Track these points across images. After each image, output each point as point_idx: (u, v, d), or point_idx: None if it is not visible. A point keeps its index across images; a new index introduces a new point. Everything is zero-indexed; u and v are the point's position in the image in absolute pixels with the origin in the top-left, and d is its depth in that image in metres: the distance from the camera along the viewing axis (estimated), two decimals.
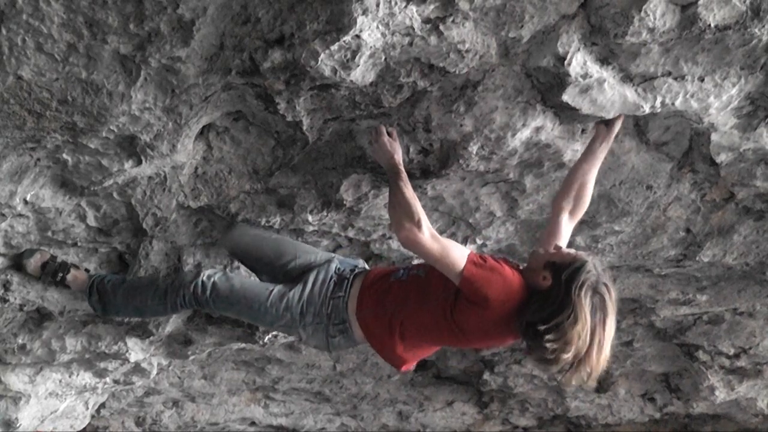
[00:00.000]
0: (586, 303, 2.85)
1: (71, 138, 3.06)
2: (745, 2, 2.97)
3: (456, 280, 3.05)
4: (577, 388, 6.98)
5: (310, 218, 3.82)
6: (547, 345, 2.86)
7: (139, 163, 3.28)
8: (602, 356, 2.92)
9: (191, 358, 4.97)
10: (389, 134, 3.34)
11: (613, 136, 3.39)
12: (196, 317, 4.58)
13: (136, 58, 2.79)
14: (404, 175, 3.25)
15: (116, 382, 5.12)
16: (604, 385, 7.12)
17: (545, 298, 2.94)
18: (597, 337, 2.87)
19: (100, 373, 4.85)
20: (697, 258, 4.69)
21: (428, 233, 3.07)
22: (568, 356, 2.86)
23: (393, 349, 3.35)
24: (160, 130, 3.14)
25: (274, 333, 4.63)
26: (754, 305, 5.89)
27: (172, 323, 4.47)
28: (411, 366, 3.58)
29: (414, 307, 3.25)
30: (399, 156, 3.31)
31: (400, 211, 3.14)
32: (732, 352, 6.56)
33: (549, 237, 3.35)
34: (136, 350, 4.61)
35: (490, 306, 3.01)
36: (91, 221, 3.69)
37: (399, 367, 3.46)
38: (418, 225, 3.07)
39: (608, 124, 3.38)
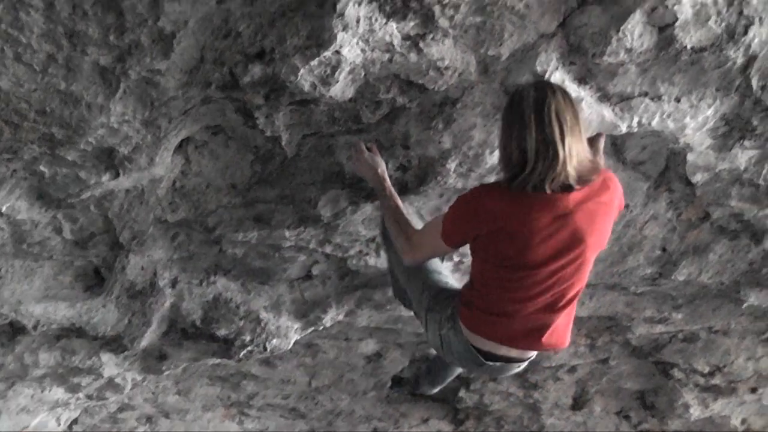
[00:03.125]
0: (526, 105, 2.74)
1: (49, 149, 3.05)
2: (720, 25, 3.01)
3: (451, 246, 3.10)
4: (553, 404, 6.99)
5: (287, 233, 3.81)
6: (510, 176, 2.82)
7: (117, 175, 3.26)
8: (567, 130, 2.72)
9: (166, 373, 4.93)
10: (369, 149, 3.34)
11: (601, 151, 3.40)
12: (171, 332, 4.55)
13: (115, 70, 2.79)
14: (389, 188, 3.29)
15: (89, 397, 5.06)
16: (579, 402, 7.13)
17: (501, 145, 2.90)
18: (542, 117, 2.71)
19: (74, 388, 4.80)
20: (673, 276, 4.71)
21: (415, 244, 3.18)
22: (513, 161, 2.78)
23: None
24: (139, 143, 3.13)
25: (250, 349, 4.61)
26: (729, 324, 5.93)
27: (147, 338, 4.44)
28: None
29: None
30: (383, 168, 3.33)
31: (396, 233, 3.25)
32: (707, 370, 6.60)
33: None
34: (110, 365, 4.57)
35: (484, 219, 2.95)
36: (68, 234, 3.66)
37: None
38: (410, 244, 3.19)
39: (591, 142, 3.40)
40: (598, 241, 3.01)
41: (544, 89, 2.74)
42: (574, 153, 2.73)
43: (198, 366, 5.43)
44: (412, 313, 4.83)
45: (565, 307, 3.11)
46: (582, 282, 3.10)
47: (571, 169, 2.75)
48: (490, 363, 3.26)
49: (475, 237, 3.01)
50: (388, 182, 3.30)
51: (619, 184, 3.02)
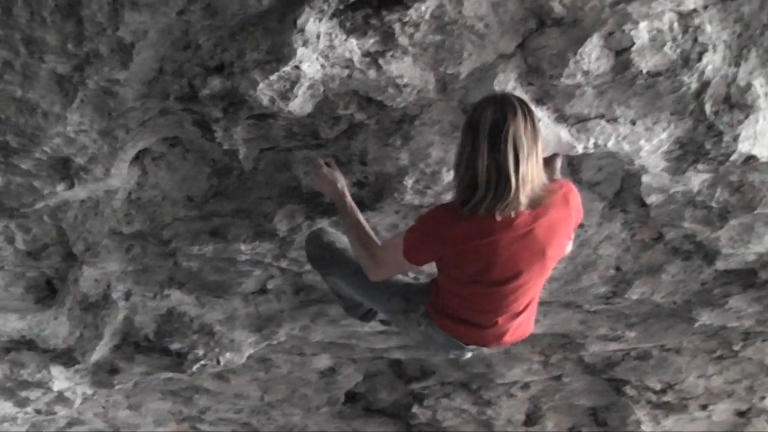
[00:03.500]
0: (482, 124, 2.66)
1: (2, 158, 3.01)
2: (675, 51, 3.06)
3: (410, 258, 3.05)
4: (506, 421, 7.01)
5: (243, 247, 3.79)
6: (462, 201, 2.78)
7: (72, 186, 3.23)
8: (523, 158, 2.65)
9: (117, 387, 4.88)
10: (327, 164, 3.33)
11: (558, 172, 3.43)
12: (124, 345, 4.50)
13: (73, 79, 2.77)
14: (349, 203, 3.25)
15: (38, 411, 4.99)
16: (532, 418, 7.16)
17: (456, 164, 2.85)
18: (496, 141, 2.63)
19: (22, 403, 4.73)
20: (627, 295, 4.76)
21: (379, 260, 3.14)
22: (480, 192, 2.71)
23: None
24: (95, 153, 3.10)
25: (203, 362, 4.59)
26: (681, 342, 6.01)
27: (99, 351, 4.39)
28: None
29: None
30: (342, 183, 3.29)
31: (359, 249, 3.20)
32: (659, 387, 6.67)
33: None
34: (60, 379, 4.51)
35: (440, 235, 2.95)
36: (20, 244, 3.62)
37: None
38: (374, 261, 3.15)
39: (547, 162, 3.42)
40: (559, 250, 3.06)
41: (505, 110, 2.65)
42: (528, 180, 2.70)
43: (150, 380, 5.37)
44: (367, 329, 4.84)
45: (527, 307, 3.22)
46: (542, 283, 3.19)
47: (524, 198, 2.74)
48: (471, 346, 3.41)
49: (439, 257, 3.04)
50: (349, 197, 3.27)
51: (578, 195, 3.04)
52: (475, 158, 2.67)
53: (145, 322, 4.28)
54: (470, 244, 2.88)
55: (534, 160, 2.70)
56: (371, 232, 3.23)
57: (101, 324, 4.15)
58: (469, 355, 3.64)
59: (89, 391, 4.95)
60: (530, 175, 2.70)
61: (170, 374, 4.91)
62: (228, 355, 4.61)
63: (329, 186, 3.29)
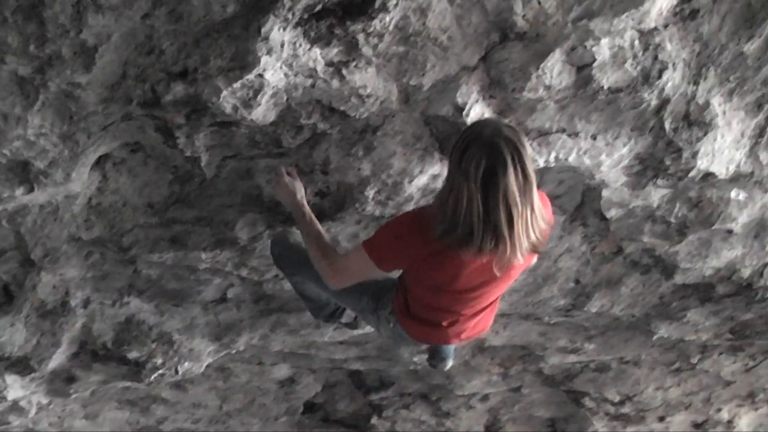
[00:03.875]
0: (467, 166, 2.54)
1: None
2: (636, 68, 3.10)
3: (379, 267, 3.02)
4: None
5: (203, 255, 3.77)
6: (439, 223, 2.69)
7: (31, 190, 3.19)
8: (514, 218, 2.57)
9: (73, 396, 4.82)
10: (289, 174, 3.32)
11: None
12: (81, 353, 4.45)
13: (34, 81, 2.74)
14: (308, 213, 3.24)
15: None
16: (491, 430, 7.18)
17: (440, 191, 2.78)
18: (499, 199, 2.54)
19: None
20: (586, 308, 4.79)
21: (340, 269, 3.12)
22: (480, 235, 2.61)
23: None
24: (56, 157, 3.07)
25: (161, 372, 4.55)
26: (640, 354, 6.07)
27: (56, 359, 4.33)
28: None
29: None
30: (301, 194, 3.29)
31: (317, 258, 3.17)
32: (617, 399, 6.73)
33: None
34: (15, 387, 4.43)
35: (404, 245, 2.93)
36: None
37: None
38: (333, 269, 3.12)
39: None
40: (526, 264, 3.05)
41: (497, 157, 2.50)
42: (523, 236, 2.63)
43: (107, 389, 5.31)
44: (326, 339, 4.84)
45: (489, 306, 3.25)
46: (506, 287, 3.20)
47: (519, 255, 2.69)
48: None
49: (407, 264, 3.05)
50: (307, 208, 3.27)
51: (549, 204, 3.03)
52: (470, 206, 2.58)
53: (104, 329, 4.23)
54: (438, 257, 2.87)
55: (528, 213, 2.61)
56: (329, 242, 3.22)
57: (59, 331, 4.09)
58: (450, 364, 3.67)
59: (45, 400, 4.88)
60: (525, 231, 2.63)
61: (128, 383, 4.86)
62: (187, 364, 4.57)
63: (288, 195, 3.28)
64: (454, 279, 2.96)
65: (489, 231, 2.61)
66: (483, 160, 2.51)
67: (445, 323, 3.24)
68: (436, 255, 2.86)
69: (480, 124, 2.68)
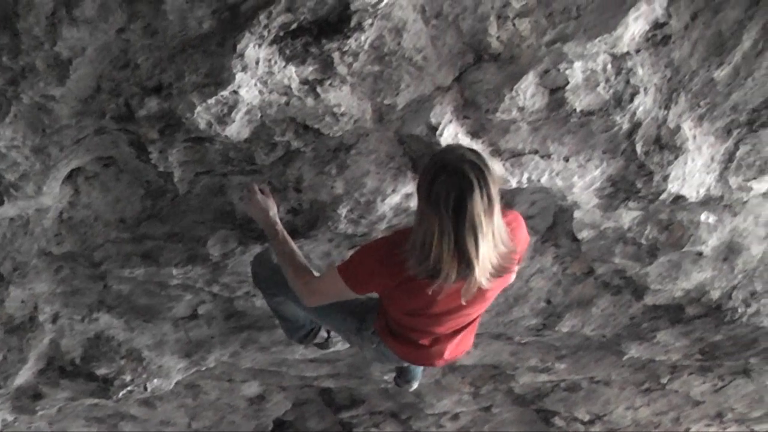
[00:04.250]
0: (434, 193, 2.53)
1: None
2: (608, 92, 3.12)
3: (353, 291, 3.02)
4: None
5: (174, 271, 3.75)
6: (410, 256, 2.68)
7: (2, 203, 3.17)
8: (480, 240, 2.56)
9: (40, 413, 4.77)
10: (261, 191, 3.31)
11: None
12: (48, 370, 4.40)
13: (7, 93, 2.72)
14: (281, 231, 3.24)
15: None
16: None
17: (414, 219, 2.75)
18: (465, 223, 2.53)
19: None
20: (557, 328, 4.81)
21: (314, 290, 3.12)
22: (432, 263, 2.62)
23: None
24: (27, 170, 3.04)
25: (130, 388, 4.51)
26: (610, 374, 6.09)
27: (23, 375, 4.28)
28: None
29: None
30: (274, 211, 3.29)
31: (291, 277, 3.16)
32: (587, 418, 6.75)
33: None
34: None
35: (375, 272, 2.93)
36: None
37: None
38: (308, 289, 3.12)
39: None
40: (502, 285, 3.06)
41: (464, 183, 2.51)
42: (488, 259, 2.63)
43: (74, 406, 5.26)
44: (297, 356, 4.81)
45: (468, 326, 3.24)
46: (485, 308, 3.20)
47: (484, 280, 2.68)
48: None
49: (382, 289, 3.04)
50: (280, 226, 3.26)
51: (523, 224, 3.04)
52: (441, 238, 2.58)
53: (72, 345, 4.19)
54: (413, 284, 2.84)
55: (490, 236, 2.60)
56: (303, 260, 3.21)
57: (26, 347, 4.05)
58: (415, 386, 3.65)
59: (10, 417, 4.82)
60: (489, 255, 2.62)
61: (96, 400, 4.82)
62: (156, 381, 4.54)
63: (261, 213, 3.27)
64: (430, 304, 2.96)
65: (457, 261, 2.61)
66: (452, 189, 2.51)
67: (426, 342, 3.23)
68: (409, 282, 2.85)
69: (443, 152, 2.69)
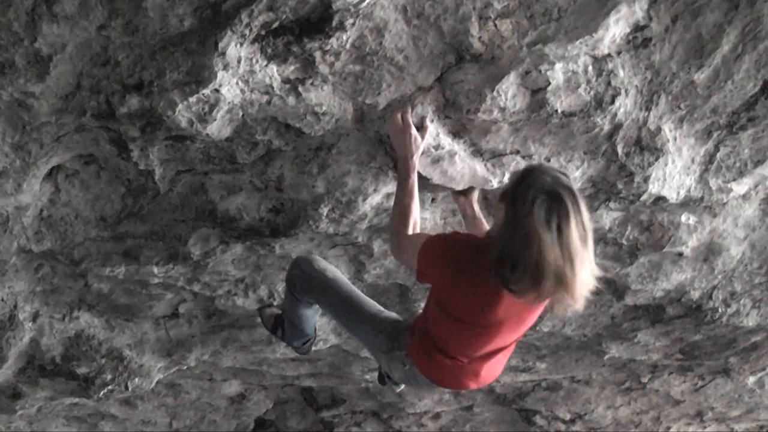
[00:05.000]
0: (536, 214, 2.48)
1: None
2: (589, 93, 3.13)
3: (415, 265, 2.96)
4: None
5: (155, 270, 3.74)
6: (517, 278, 2.57)
7: None
8: (576, 266, 2.51)
9: (19, 413, 4.74)
10: (422, 125, 3.13)
11: (475, 202, 3.46)
12: (28, 369, 4.38)
13: None
14: (412, 182, 3.10)
15: None
16: None
17: (501, 231, 2.64)
18: (563, 248, 2.48)
19: None
20: (538, 328, 4.83)
21: (402, 251, 3.06)
22: (546, 282, 2.53)
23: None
24: (6, 168, 3.03)
25: (111, 388, 4.49)
26: (591, 374, 6.11)
27: (2, 374, 4.26)
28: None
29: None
30: (418, 155, 3.11)
31: (395, 224, 3.10)
32: (568, 417, 6.78)
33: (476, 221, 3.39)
34: None
35: (440, 274, 2.88)
36: None
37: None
38: (399, 241, 3.06)
39: (464, 193, 3.46)
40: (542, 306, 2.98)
41: (562, 207, 2.50)
42: (584, 283, 2.58)
43: (54, 405, 5.24)
44: (278, 355, 4.80)
45: (502, 350, 3.15)
46: (522, 333, 3.13)
47: (580, 301, 2.62)
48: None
49: (441, 282, 2.95)
50: (415, 175, 3.11)
51: None
52: (545, 255, 2.50)
53: (52, 344, 4.18)
54: (479, 285, 2.78)
55: (587, 260, 2.57)
56: (414, 217, 3.10)
57: (5, 346, 4.03)
58: (402, 386, 3.63)
59: None
60: (586, 277, 2.58)
61: (76, 399, 4.80)
62: (137, 380, 4.53)
63: (404, 150, 3.09)
64: (483, 309, 2.87)
65: (554, 279, 2.54)
66: (554, 210, 2.49)
67: (464, 360, 3.12)
68: (478, 282, 2.78)
69: (537, 171, 2.63)
